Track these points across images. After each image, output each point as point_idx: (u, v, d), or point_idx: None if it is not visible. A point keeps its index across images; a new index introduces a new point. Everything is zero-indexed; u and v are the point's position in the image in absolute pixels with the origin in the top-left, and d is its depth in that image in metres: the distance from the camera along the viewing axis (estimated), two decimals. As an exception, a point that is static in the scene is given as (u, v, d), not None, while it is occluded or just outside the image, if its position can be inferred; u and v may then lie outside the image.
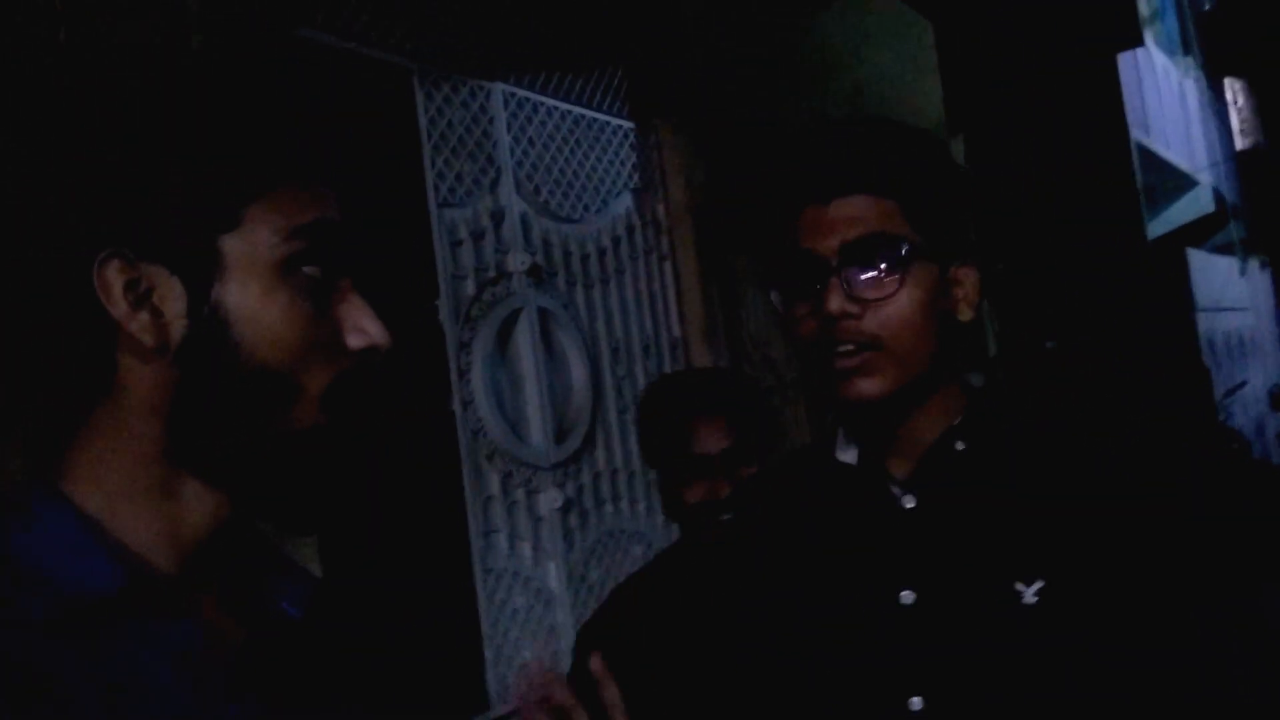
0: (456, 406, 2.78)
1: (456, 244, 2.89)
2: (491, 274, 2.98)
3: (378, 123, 2.78)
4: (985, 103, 6.73)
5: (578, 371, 3.21)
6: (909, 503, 1.15)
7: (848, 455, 1.21)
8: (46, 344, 0.67)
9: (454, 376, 2.81)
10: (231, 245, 0.67)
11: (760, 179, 1.23)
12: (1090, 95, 7.47)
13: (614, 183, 3.57)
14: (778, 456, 1.70)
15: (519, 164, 3.15)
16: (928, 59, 6.27)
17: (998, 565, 1.10)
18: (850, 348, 1.11)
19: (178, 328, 0.67)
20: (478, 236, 2.96)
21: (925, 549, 1.13)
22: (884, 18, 5.70)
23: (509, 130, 3.12)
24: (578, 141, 3.43)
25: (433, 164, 2.87)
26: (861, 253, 1.11)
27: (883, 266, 1.11)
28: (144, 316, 0.66)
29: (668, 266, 3.72)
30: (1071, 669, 1.06)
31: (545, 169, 3.26)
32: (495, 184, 3.06)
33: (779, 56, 4.55)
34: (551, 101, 3.33)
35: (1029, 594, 1.08)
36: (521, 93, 3.21)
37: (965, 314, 1.16)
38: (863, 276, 1.11)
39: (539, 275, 3.13)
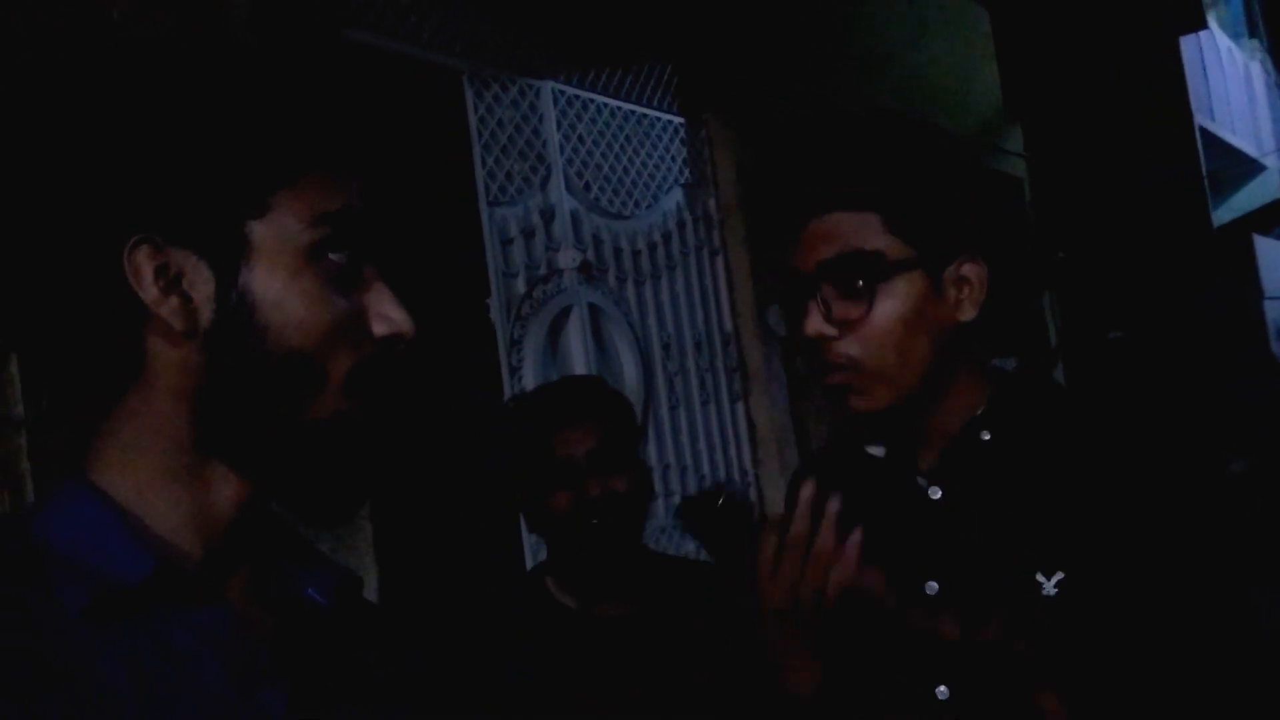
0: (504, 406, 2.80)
1: (507, 242, 2.91)
2: (542, 271, 2.99)
3: (428, 123, 2.80)
4: (1044, 90, 6.63)
5: (629, 367, 3.21)
6: (935, 494, 1.15)
7: (876, 448, 1.21)
8: (78, 330, 0.69)
9: (505, 373, 2.83)
10: (259, 231, 0.68)
11: (763, 197, 1.22)
12: (1152, 80, 7.33)
13: (664, 178, 3.57)
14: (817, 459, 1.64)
15: (569, 161, 3.16)
16: (984, 47, 6.19)
17: (1019, 556, 1.09)
18: (833, 368, 1.11)
19: (206, 312, 0.68)
20: (528, 234, 2.97)
21: (950, 540, 1.13)
22: (939, 6, 5.63)
23: (559, 128, 3.13)
24: (628, 138, 3.43)
25: (483, 163, 2.88)
26: (836, 272, 1.09)
27: (857, 284, 1.09)
28: (174, 301, 0.67)
29: (719, 261, 3.71)
30: (1090, 660, 1.05)
31: (595, 166, 3.26)
32: (545, 182, 3.07)
33: (832, 47, 4.51)
34: (601, 98, 3.33)
35: (1049, 585, 1.07)
36: (571, 90, 3.21)
37: (968, 313, 1.13)
38: (838, 296, 1.10)
39: (589, 272, 3.13)
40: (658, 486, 3.30)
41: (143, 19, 2.20)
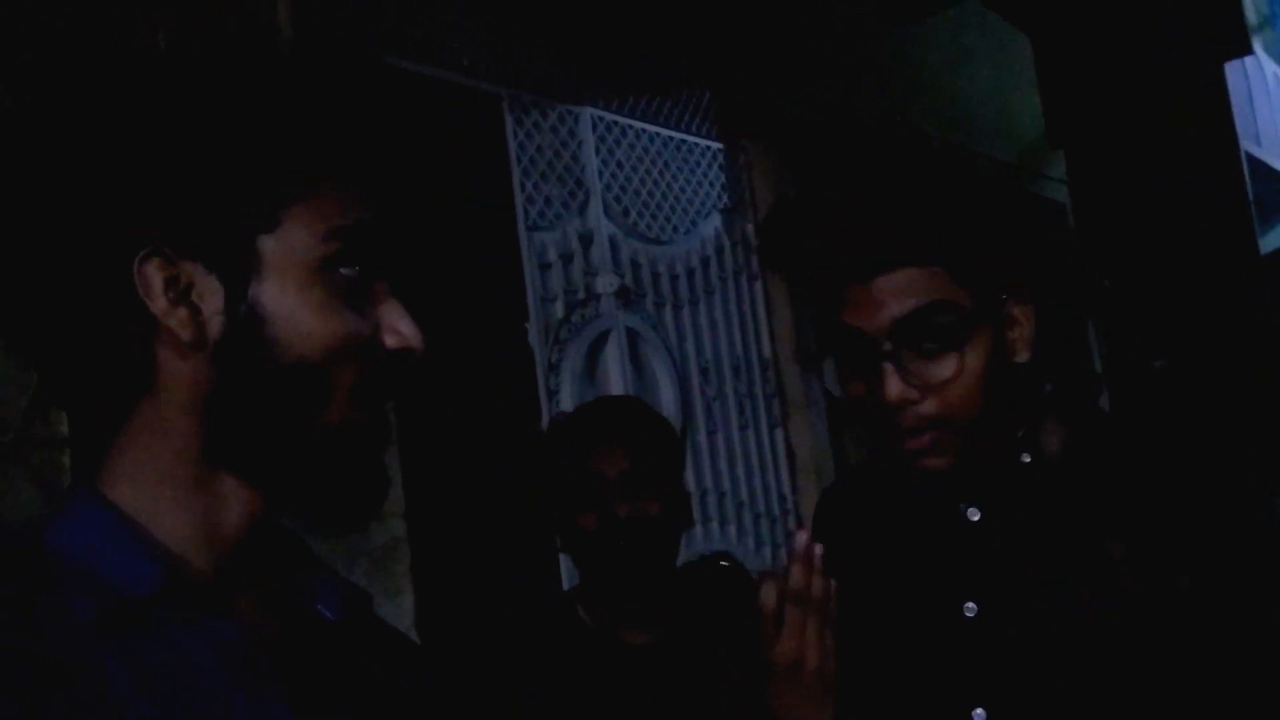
0: (545, 427, 2.80)
1: (545, 266, 2.92)
2: (580, 295, 3.00)
3: (468, 148, 2.83)
4: (1087, 116, 6.58)
5: (667, 392, 3.21)
6: (974, 515, 1.13)
7: None
8: (90, 343, 0.69)
9: (543, 397, 2.83)
10: (270, 245, 0.69)
11: (795, 255, 1.13)
12: (1197, 106, 7.26)
13: (703, 204, 3.57)
14: (861, 469, 1.60)
15: (607, 187, 3.17)
16: (1026, 73, 6.16)
17: (1050, 588, 1.07)
18: (915, 431, 1.06)
19: (215, 324, 0.68)
20: (566, 259, 2.98)
21: (988, 561, 1.11)
22: (981, 32, 5.62)
23: (597, 153, 3.15)
24: (666, 163, 3.44)
25: (522, 188, 2.90)
26: (914, 330, 1.04)
27: (938, 343, 1.04)
28: (182, 312, 0.68)
29: (758, 287, 3.70)
30: (1126, 685, 1.03)
31: (634, 191, 3.28)
32: (584, 207, 3.08)
33: (872, 72, 4.51)
34: (640, 124, 3.35)
35: (1077, 620, 1.05)
36: (610, 116, 3.23)
37: (1022, 355, 1.09)
38: (919, 356, 1.05)
39: (627, 296, 3.14)
40: (695, 512, 3.28)
41: (188, 45, 2.24)
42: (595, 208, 3.11)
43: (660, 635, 1.57)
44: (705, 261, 3.53)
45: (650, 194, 3.35)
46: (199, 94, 0.70)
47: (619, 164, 3.24)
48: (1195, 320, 7.20)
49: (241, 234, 0.68)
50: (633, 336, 3.13)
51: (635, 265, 3.22)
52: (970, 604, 1.10)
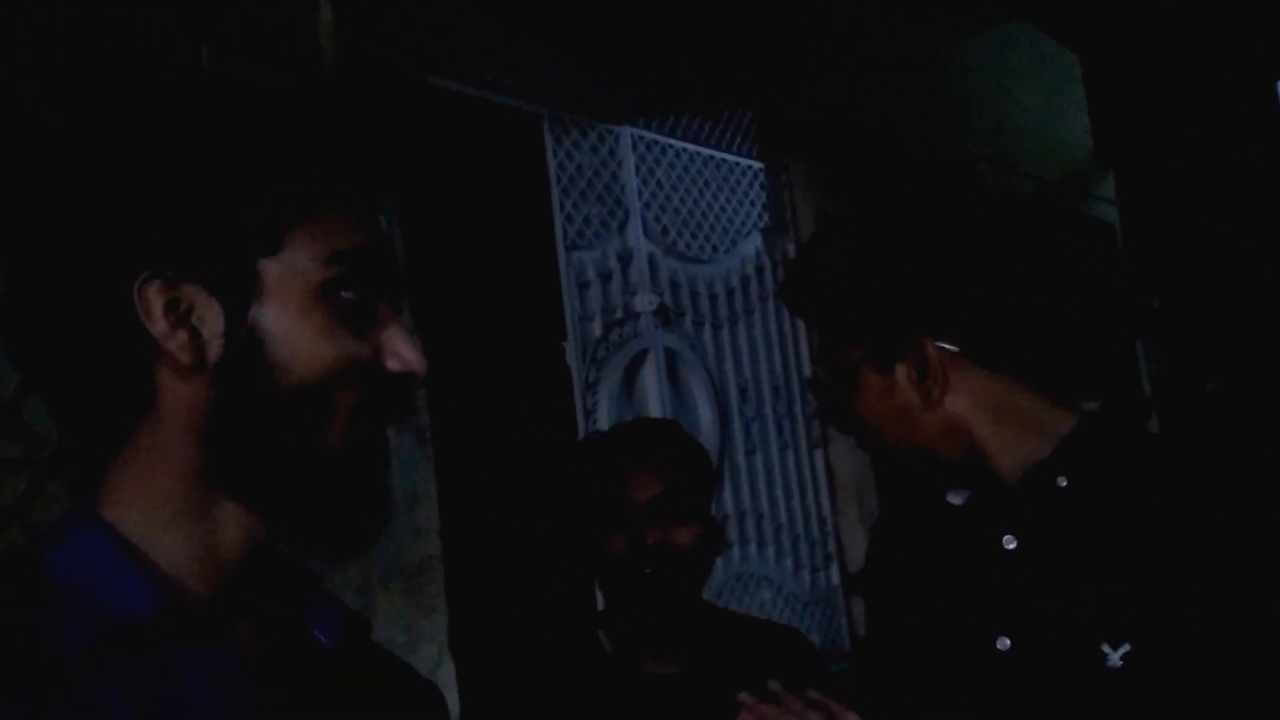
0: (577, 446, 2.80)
1: (584, 285, 2.92)
2: (619, 315, 2.99)
3: (508, 167, 2.84)
4: (1136, 136, 6.50)
5: (705, 412, 3.19)
6: (1010, 544, 1.10)
7: (956, 497, 1.17)
8: (90, 365, 0.69)
9: (580, 416, 2.83)
10: (271, 268, 0.69)
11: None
12: (1248, 125, 7.14)
13: (743, 223, 3.56)
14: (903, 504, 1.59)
15: (647, 206, 3.17)
16: (1074, 91, 6.09)
17: (1087, 620, 1.04)
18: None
19: (215, 347, 0.68)
20: (605, 278, 2.98)
21: (1022, 593, 1.08)
22: (1027, 50, 5.57)
23: (638, 173, 3.15)
24: (707, 183, 3.43)
25: (561, 207, 2.91)
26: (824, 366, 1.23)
27: (835, 379, 1.19)
28: (182, 335, 0.67)
29: (798, 306, 3.68)
30: None
31: (674, 210, 3.27)
32: (623, 226, 3.08)
33: (917, 91, 4.48)
34: (680, 144, 3.34)
35: (1115, 657, 1.01)
36: (650, 135, 3.23)
37: (935, 399, 1.14)
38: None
39: (666, 316, 3.13)
40: (733, 533, 3.26)
41: (232, 66, 2.27)
42: (635, 227, 3.10)
43: (686, 667, 1.53)
44: (745, 281, 3.51)
45: (690, 213, 3.34)
46: (203, 119, 0.70)
47: (659, 183, 3.23)
48: (1248, 342, 7.07)
49: (243, 257, 0.68)
50: (671, 356, 3.12)
51: (674, 284, 3.21)
52: (1004, 638, 1.07)
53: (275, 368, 0.68)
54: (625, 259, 3.06)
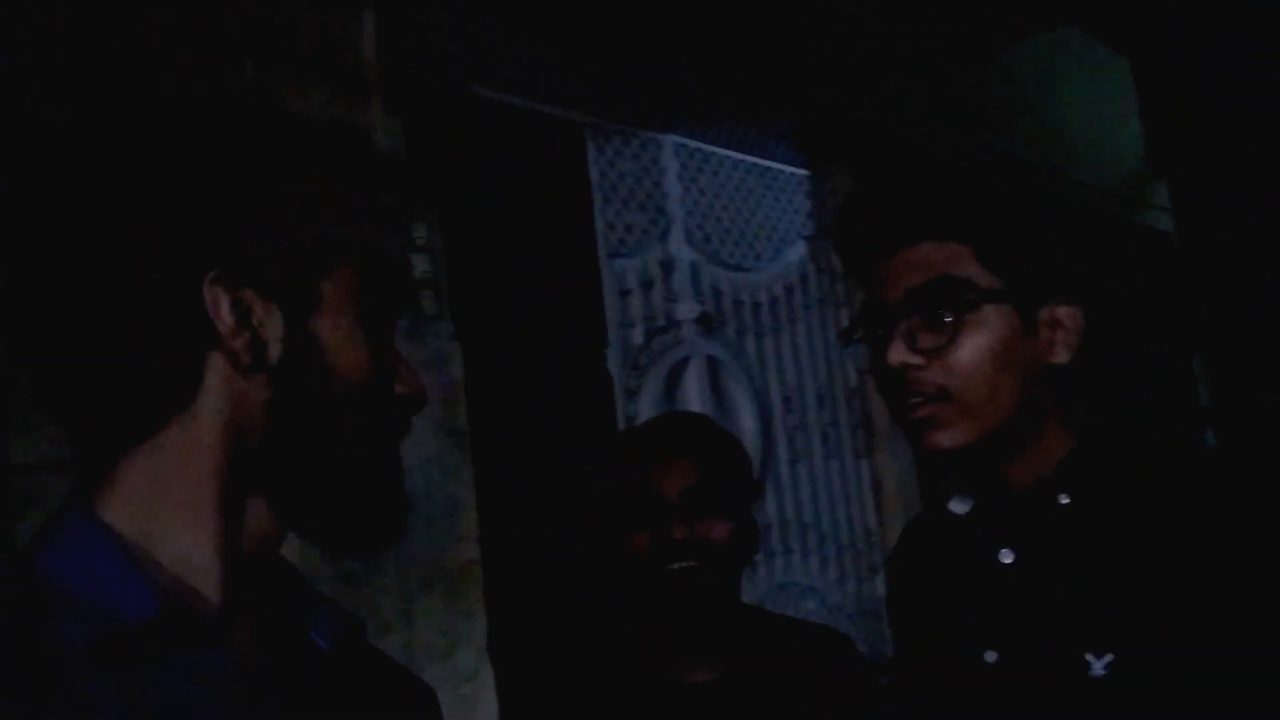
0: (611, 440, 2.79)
1: (625, 293, 2.92)
2: (660, 322, 2.99)
3: (549, 175, 2.85)
4: (1191, 142, 6.39)
5: (747, 420, 3.18)
6: (1006, 558, 1.08)
7: (959, 507, 1.15)
8: (142, 352, 0.70)
9: (621, 423, 2.83)
10: (328, 287, 0.74)
11: (836, 240, 1.18)
12: (1308, 131, 7.00)
13: (787, 231, 3.55)
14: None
15: (689, 213, 3.17)
16: (1126, 97, 6.01)
17: (1073, 631, 1.02)
18: (919, 399, 1.06)
19: (275, 348, 0.71)
20: (646, 285, 2.98)
21: (1013, 607, 1.06)
22: (1078, 55, 5.50)
23: (680, 180, 3.15)
24: (750, 190, 3.42)
25: (603, 214, 2.91)
26: (922, 300, 1.06)
27: (944, 312, 1.05)
28: (245, 335, 0.70)
29: (844, 315, 3.66)
30: None
31: (716, 218, 3.27)
32: (665, 234, 3.08)
33: (965, 97, 4.44)
34: (723, 151, 3.34)
35: (1098, 666, 0.99)
36: (693, 144, 3.23)
37: (1061, 356, 1.08)
38: (924, 325, 1.06)
39: (709, 324, 3.12)
40: (776, 543, 3.24)
41: (293, 83, 2.30)
42: (677, 234, 3.10)
43: (722, 673, 1.47)
44: (789, 289, 3.50)
45: (733, 221, 3.33)
46: (279, 146, 0.75)
47: (701, 190, 3.23)
48: (1308, 353, 6.92)
49: (307, 273, 0.73)
50: (713, 364, 3.11)
51: (717, 292, 3.20)
52: (991, 652, 1.06)
53: (334, 372, 0.73)
54: (667, 266, 3.06)
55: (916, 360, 1.05)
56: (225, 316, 0.69)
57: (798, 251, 3.57)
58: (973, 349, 1.05)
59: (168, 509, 0.70)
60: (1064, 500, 1.07)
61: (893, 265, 1.09)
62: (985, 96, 4.62)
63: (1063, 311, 1.09)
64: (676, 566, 1.42)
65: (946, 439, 1.06)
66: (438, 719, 0.87)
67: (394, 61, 2.44)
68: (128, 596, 0.66)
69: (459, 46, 2.61)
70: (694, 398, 3.02)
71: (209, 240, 0.70)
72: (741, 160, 3.41)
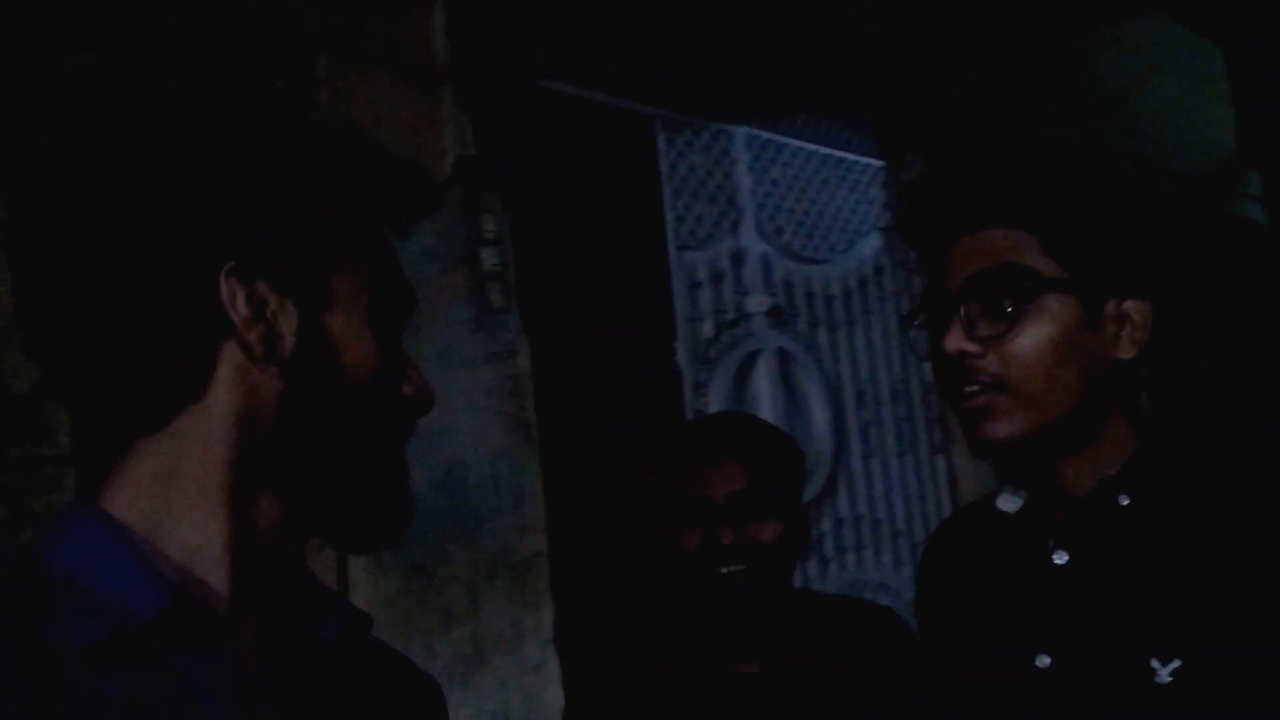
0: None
1: (695, 286, 2.91)
2: (730, 315, 2.97)
3: (618, 168, 2.85)
4: (1286, 131, 6.18)
5: (819, 415, 3.15)
6: (1060, 559, 1.05)
7: (1008, 504, 1.12)
8: (162, 342, 0.70)
9: (690, 417, 2.81)
10: (340, 284, 0.75)
11: (902, 224, 1.15)
12: None
13: (862, 222, 3.50)
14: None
15: (761, 206, 3.14)
16: (1217, 87, 5.83)
17: (1136, 637, 0.98)
18: (975, 388, 1.03)
19: (289, 341, 0.71)
20: (717, 278, 2.96)
21: (1068, 611, 1.03)
22: (1169, 44, 5.35)
23: (751, 172, 3.12)
24: (824, 182, 3.38)
25: (673, 207, 2.90)
26: (983, 287, 1.03)
27: (1005, 300, 1.02)
28: (260, 327, 0.70)
29: (919, 308, 3.60)
30: None
31: (789, 210, 3.24)
32: (736, 226, 3.06)
33: (1052, 86, 4.34)
34: (796, 143, 3.31)
35: (1164, 673, 0.96)
36: (765, 135, 3.20)
37: (1126, 351, 1.04)
38: (983, 313, 1.03)
39: (780, 317, 3.10)
40: (848, 539, 3.20)
41: (364, 80, 2.32)
42: (748, 226, 3.08)
43: (772, 664, 1.47)
44: (863, 282, 3.45)
45: (806, 213, 3.30)
46: (299, 147, 0.77)
47: (773, 182, 3.20)
48: None
49: (321, 270, 0.74)
50: (785, 358, 3.08)
51: (789, 285, 3.17)
52: (1044, 656, 1.03)
53: (345, 367, 0.73)
54: (738, 259, 3.03)
55: (974, 348, 1.03)
56: (241, 308, 0.70)
57: (872, 244, 3.52)
58: (1032, 339, 1.02)
59: (178, 500, 0.70)
60: (1124, 501, 1.04)
61: (957, 251, 1.06)
62: (1071, 86, 4.51)
63: (1131, 306, 1.05)
64: (725, 570, 1.42)
65: (1000, 430, 1.03)
66: (441, 711, 0.87)
67: (463, 57, 2.46)
68: (135, 591, 0.66)
69: (528, 40, 2.61)
70: (764, 392, 2.99)
71: (224, 234, 0.71)
72: (815, 151, 3.37)
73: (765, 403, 2.98)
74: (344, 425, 0.73)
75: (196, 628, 0.67)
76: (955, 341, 1.03)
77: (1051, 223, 1.05)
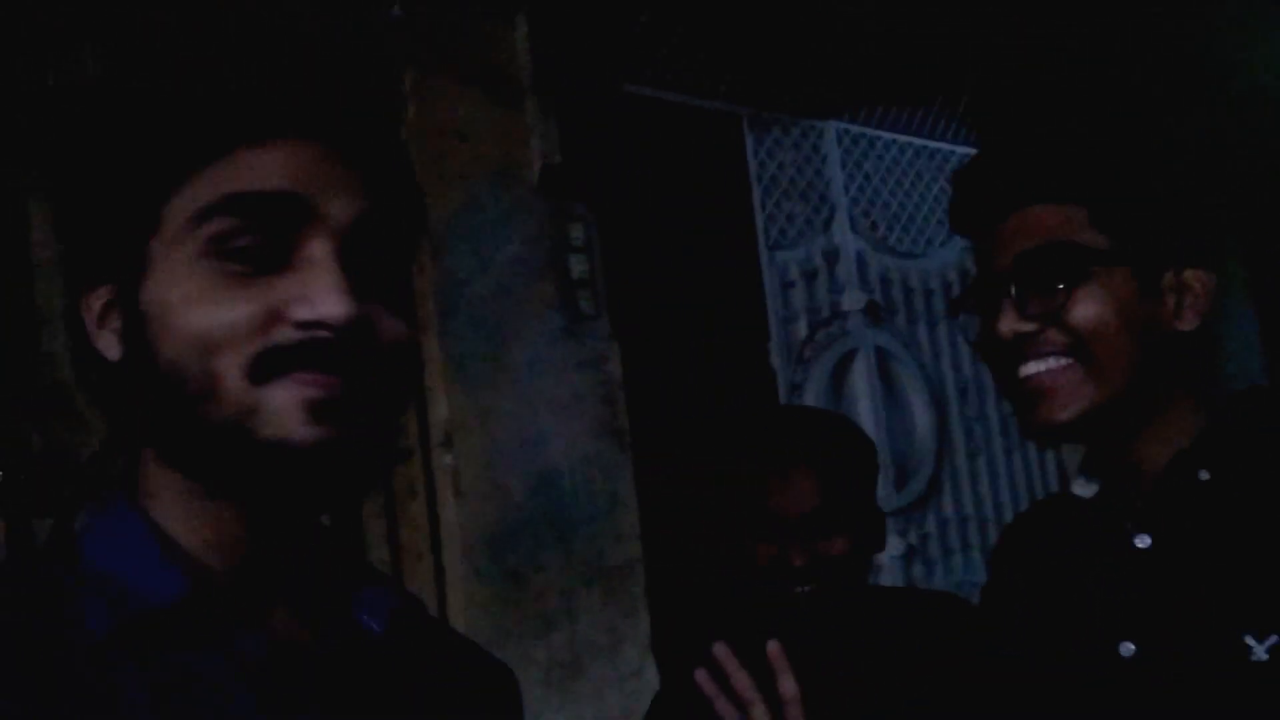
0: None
1: (788, 285, 2.87)
2: (825, 314, 2.93)
3: (708, 169, 2.82)
4: None
5: (920, 413, 3.08)
6: (1142, 542, 1.00)
7: (1085, 489, 1.07)
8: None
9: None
10: (156, 244, 0.67)
11: (950, 208, 1.11)
12: None
13: (960, 214, 3.42)
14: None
15: (854, 201, 3.08)
16: (1339, 55, 5.56)
17: (1227, 616, 0.93)
18: (1036, 368, 0.99)
19: (122, 340, 0.68)
20: (809, 276, 2.92)
21: (1152, 595, 0.98)
22: (1265, 21, 5.11)
23: (843, 168, 3.07)
24: (918, 173, 3.31)
25: (763, 207, 2.87)
26: (1033, 265, 0.99)
27: (1057, 278, 0.99)
28: (106, 334, 0.68)
29: (1023, 300, 3.50)
30: None
31: (883, 204, 3.17)
32: (829, 223, 3.01)
33: (1156, 64, 4.19)
34: (889, 135, 3.24)
35: (1260, 650, 0.90)
36: (856, 129, 3.15)
37: (1188, 322, 1.00)
38: (1036, 292, 0.99)
39: (876, 314, 3.04)
40: (954, 539, 3.13)
41: (450, 90, 2.35)
42: (841, 223, 3.03)
43: (832, 672, 1.41)
44: (963, 274, 3.36)
45: (901, 206, 3.23)
46: (89, 128, 0.73)
47: (866, 176, 3.15)
48: None
49: (132, 240, 0.67)
50: (882, 355, 3.02)
51: (885, 281, 3.11)
52: (1127, 643, 0.98)
53: (155, 345, 0.66)
54: (831, 257, 2.99)
55: (1029, 327, 1.00)
56: (92, 327, 0.69)
57: (971, 236, 3.43)
58: (1087, 313, 0.99)
59: (173, 492, 0.69)
60: (1204, 476, 0.99)
61: (1004, 231, 1.03)
62: (1182, 60, 4.34)
63: (1190, 275, 1.01)
64: (798, 590, 1.39)
65: (1060, 410, 0.99)
66: (511, 700, 0.83)
67: (546, 65, 2.47)
68: (154, 579, 0.66)
69: (610, 46, 2.61)
70: (862, 391, 2.94)
71: (82, 251, 0.70)
72: (909, 143, 3.30)
73: (864, 402, 2.93)
74: (168, 406, 0.65)
75: (220, 615, 0.66)
76: (1009, 323, 1.00)
77: (1098, 194, 1.01)
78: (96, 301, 0.70)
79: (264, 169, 0.66)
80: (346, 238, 0.67)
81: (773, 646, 1.13)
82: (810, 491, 1.39)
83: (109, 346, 0.69)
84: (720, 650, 1.15)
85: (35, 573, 0.68)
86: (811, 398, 2.82)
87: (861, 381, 2.94)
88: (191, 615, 0.65)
